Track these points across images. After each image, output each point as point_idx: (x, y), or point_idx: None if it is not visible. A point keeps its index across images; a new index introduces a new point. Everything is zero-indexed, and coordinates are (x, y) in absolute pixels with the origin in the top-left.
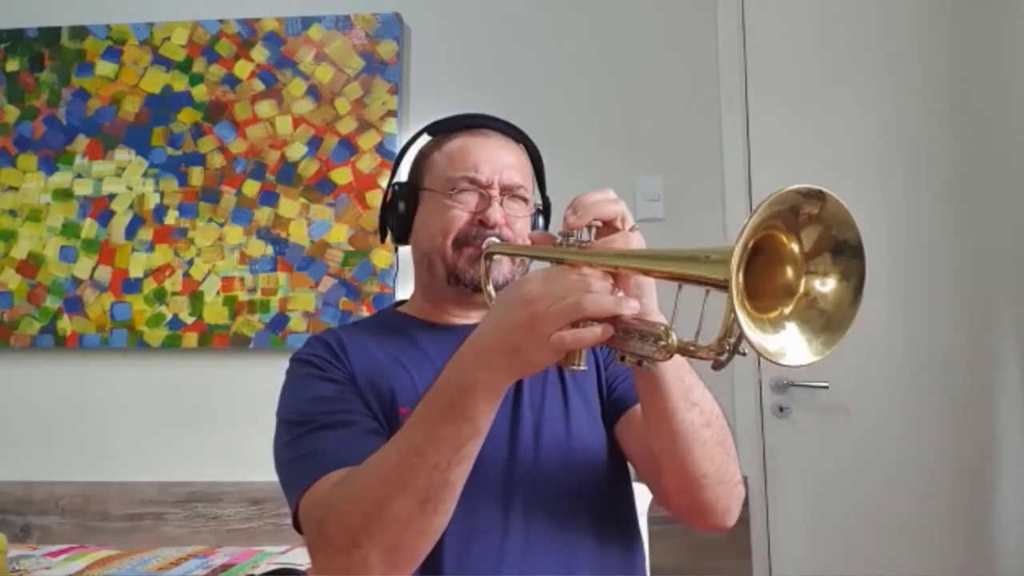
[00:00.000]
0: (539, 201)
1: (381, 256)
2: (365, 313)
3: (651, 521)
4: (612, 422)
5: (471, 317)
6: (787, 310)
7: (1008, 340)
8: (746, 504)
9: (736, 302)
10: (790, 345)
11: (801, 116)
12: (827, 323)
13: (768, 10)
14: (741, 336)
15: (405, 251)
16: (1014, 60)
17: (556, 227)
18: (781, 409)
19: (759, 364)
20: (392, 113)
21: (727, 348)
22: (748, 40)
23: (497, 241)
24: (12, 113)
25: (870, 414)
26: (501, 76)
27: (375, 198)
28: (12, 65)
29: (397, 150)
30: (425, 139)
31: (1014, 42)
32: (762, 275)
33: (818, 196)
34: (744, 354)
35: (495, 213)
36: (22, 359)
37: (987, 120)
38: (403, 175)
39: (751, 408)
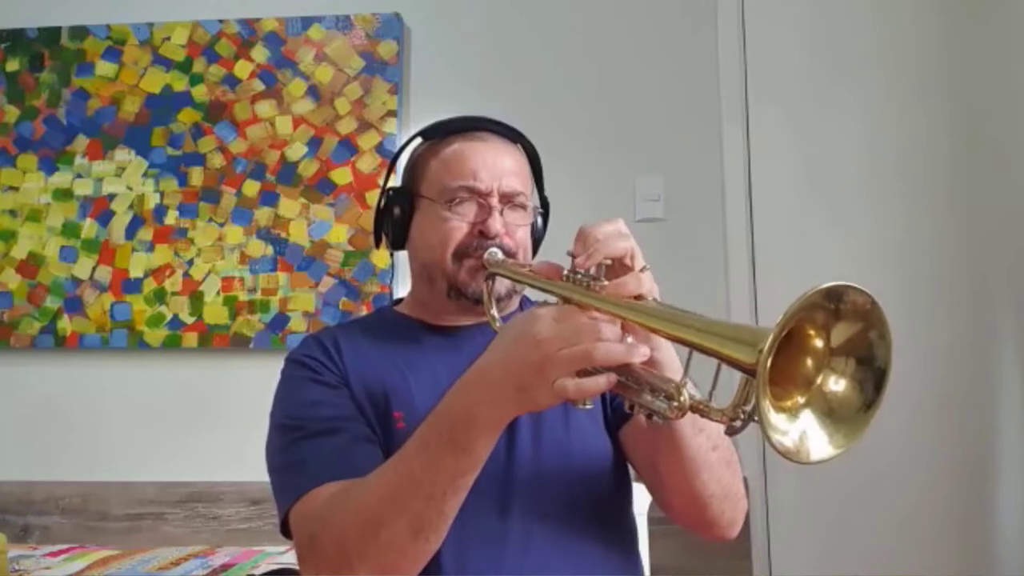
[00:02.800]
0: (538, 203)
1: (381, 256)
2: (365, 313)
3: (651, 521)
4: (616, 427)
5: (468, 319)
6: (802, 400)
7: (1008, 339)
8: None
9: (761, 394)
10: (810, 438)
11: (801, 116)
12: (841, 421)
13: (768, 11)
14: (756, 406)
15: (402, 251)
16: (1013, 63)
17: (555, 229)
18: None
19: None
20: (392, 113)
21: (742, 416)
22: (748, 40)
23: (498, 252)
24: (12, 113)
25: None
26: (501, 76)
27: (375, 198)
28: (12, 65)
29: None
30: (420, 142)
31: (1013, 45)
32: (781, 359)
33: (864, 297)
34: (759, 421)
35: (495, 224)
36: (22, 359)
37: (986, 122)
38: (398, 178)
39: None
